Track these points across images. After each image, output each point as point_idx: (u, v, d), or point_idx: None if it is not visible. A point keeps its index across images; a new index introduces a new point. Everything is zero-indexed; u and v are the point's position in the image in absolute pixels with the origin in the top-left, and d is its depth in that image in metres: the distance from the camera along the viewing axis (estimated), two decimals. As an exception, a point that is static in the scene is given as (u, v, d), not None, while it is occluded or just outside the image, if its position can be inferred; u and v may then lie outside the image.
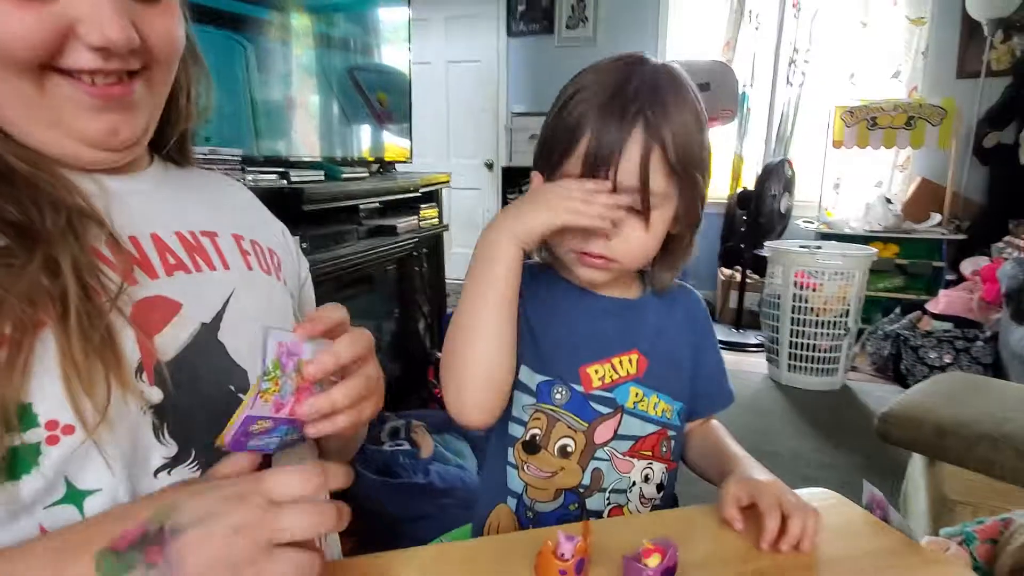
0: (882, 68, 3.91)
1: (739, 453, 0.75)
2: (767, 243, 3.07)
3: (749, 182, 3.87)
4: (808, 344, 2.88)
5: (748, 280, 3.72)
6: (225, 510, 0.40)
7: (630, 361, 0.73)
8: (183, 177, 0.61)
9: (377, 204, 2.41)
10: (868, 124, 3.65)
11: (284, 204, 1.81)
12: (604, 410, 0.71)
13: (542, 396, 0.72)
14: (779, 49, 4.14)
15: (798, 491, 0.64)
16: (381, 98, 2.70)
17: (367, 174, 2.40)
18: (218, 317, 0.53)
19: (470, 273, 0.66)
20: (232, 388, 0.52)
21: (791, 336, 2.91)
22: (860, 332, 3.08)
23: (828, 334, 2.85)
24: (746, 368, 3.23)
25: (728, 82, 3.79)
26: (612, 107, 0.64)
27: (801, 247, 3.00)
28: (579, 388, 0.71)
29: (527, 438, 0.72)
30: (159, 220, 0.54)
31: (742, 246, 3.64)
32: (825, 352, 2.87)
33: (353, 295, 2.30)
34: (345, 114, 2.46)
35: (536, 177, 0.71)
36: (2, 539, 0.41)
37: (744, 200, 3.65)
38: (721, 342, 3.49)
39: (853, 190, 3.99)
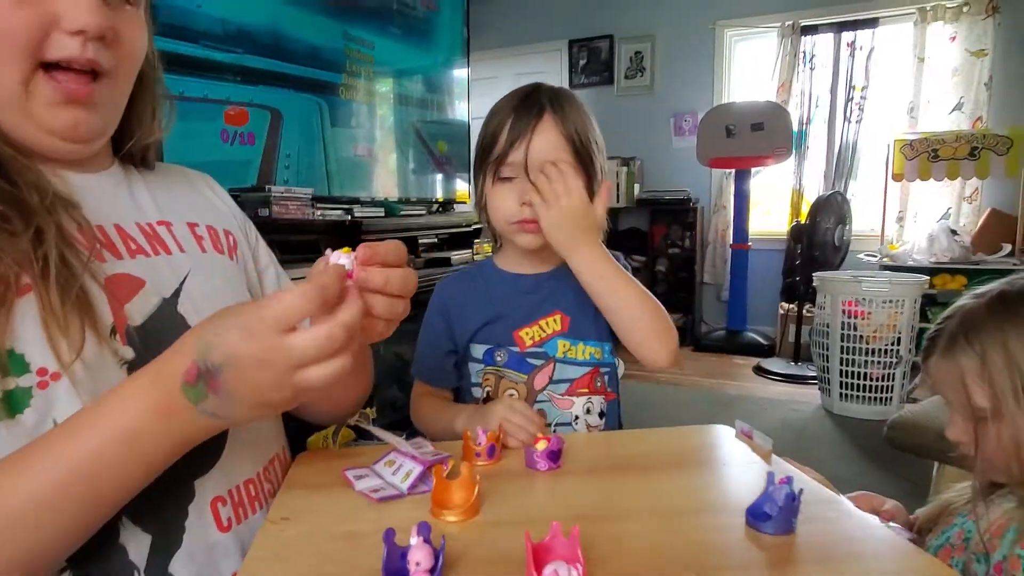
0: (943, 101, 3.88)
1: None
2: (815, 274, 3.10)
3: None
4: (859, 373, 2.87)
5: (807, 314, 3.71)
6: (244, 348, 0.45)
7: (555, 320, 0.92)
8: (145, 177, 0.69)
9: (435, 238, 2.70)
10: (929, 156, 3.63)
11: (345, 234, 2.12)
12: (539, 363, 0.91)
13: (488, 361, 0.93)
14: (835, 87, 4.22)
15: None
16: (440, 147, 3.02)
17: (424, 212, 2.69)
18: (176, 293, 0.61)
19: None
20: None
21: (841, 365, 2.90)
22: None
23: (879, 362, 2.83)
24: (799, 399, 3.22)
25: (781, 122, 3.90)
26: (522, 106, 0.88)
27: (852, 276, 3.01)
28: (515, 349, 0.92)
29: (483, 396, 0.92)
30: (120, 213, 0.62)
31: (798, 279, 3.65)
32: (877, 381, 2.85)
33: (411, 317, 2.56)
34: (407, 159, 2.79)
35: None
36: None
37: (798, 233, 3.69)
38: (778, 375, 3.54)
39: (919, 222, 3.92)
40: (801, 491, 0.54)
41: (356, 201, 2.33)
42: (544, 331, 0.92)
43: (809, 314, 3.73)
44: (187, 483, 0.58)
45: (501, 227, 0.92)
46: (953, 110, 3.85)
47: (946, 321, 0.80)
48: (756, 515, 0.55)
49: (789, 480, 0.55)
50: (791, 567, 0.49)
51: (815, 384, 3.23)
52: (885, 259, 3.70)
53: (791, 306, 3.88)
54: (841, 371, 2.91)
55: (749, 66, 4.53)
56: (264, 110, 2.05)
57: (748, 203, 4.14)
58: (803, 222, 3.75)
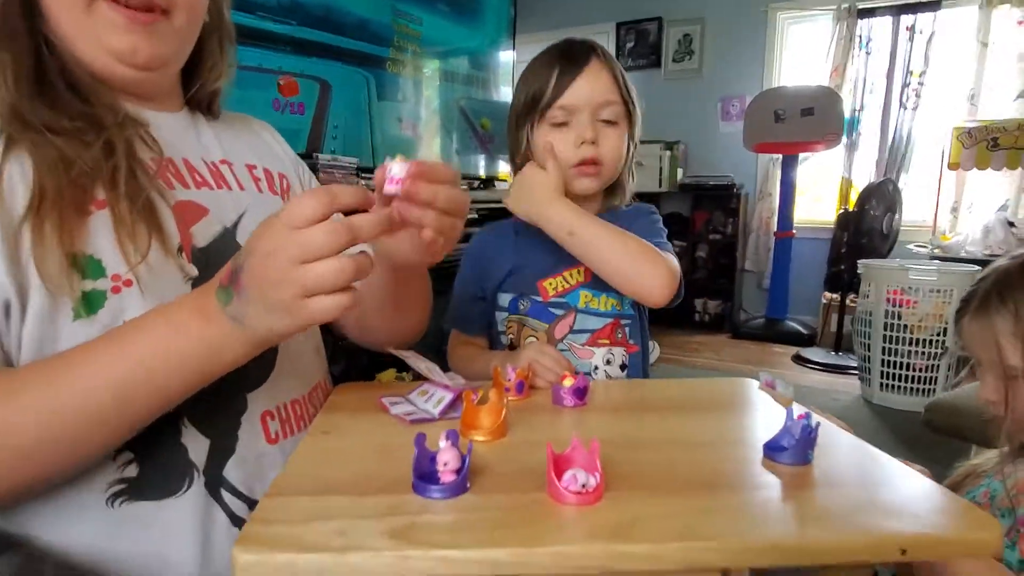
0: (1006, 88, 3.72)
1: None
2: (860, 261, 3.03)
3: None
4: (901, 363, 2.80)
5: (851, 304, 3.63)
6: (261, 242, 0.48)
7: (578, 272, 0.94)
8: (210, 122, 0.74)
9: (475, 213, 2.73)
10: (988, 145, 3.49)
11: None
12: (560, 312, 0.93)
13: (512, 309, 0.96)
14: (892, 73, 4.08)
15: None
16: (484, 124, 3.05)
17: (466, 187, 2.73)
18: (236, 224, 0.67)
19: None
20: None
21: (883, 355, 2.84)
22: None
23: (923, 352, 2.76)
24: (839, 388, 3.17)
25: (833, 106, 3.80)
26: (568, 53, 0.90)
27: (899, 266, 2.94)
28: (538, 299, 0.95)
29: (507, 344, 0.96)
30: (188, 149, 0.68)
31: (842, 267, 3.58)
32: (920, 371, 2.78)
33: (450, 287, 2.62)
34: (450, 135, 2.83)
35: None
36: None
37: (845, 221, 3.60)
38: (817, 364, 3.49)
39: (975, 214, 3.79)
40: (818, 424, 0.56)
41: (400, 173, 2.38)
42: (567, 282, 0.94)
43: (852, 304, 3.65)
44: (240, 395, 0.63)
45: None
46: (1017, 97, 3.69)
47: (980, 282, 0.80)
48: (774, 448, 0.57)
49: (807, 415, 0.56)
50: (802, 490, 0.51)
51: (855, 374, 3.17)
52: (936, 250, 3.58)
53: (834, 296, 3.80)
54: (883, 361, 2.85)
55: (802, 50, 4.42)
56: (314, 81, 2.11)
57: (794, 190, 4.05)
58: (848, 210, 3.66)
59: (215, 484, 0.60)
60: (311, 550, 0.41)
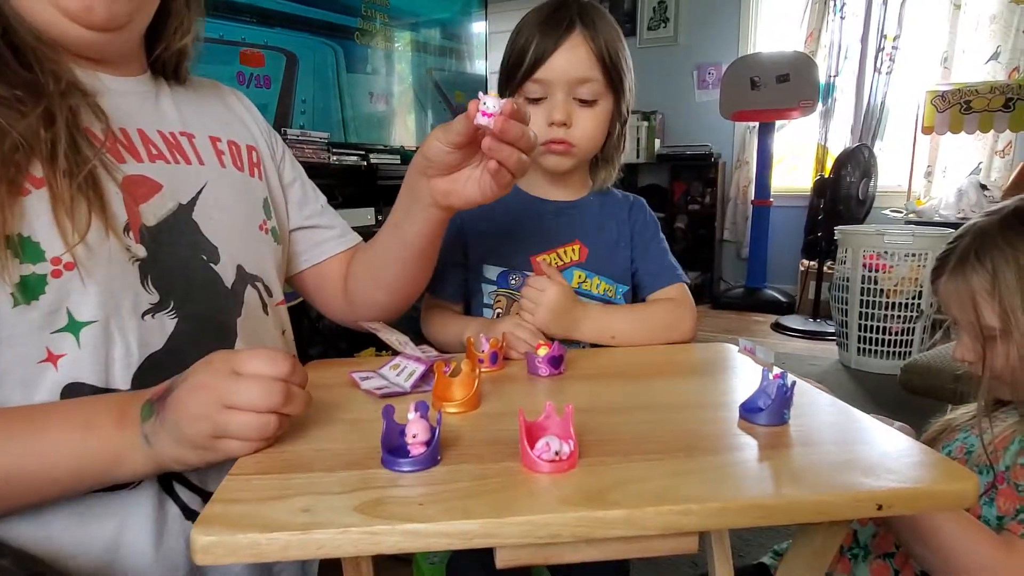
0: (978, 51, 3.74)
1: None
2: (837, 227, 3.05)
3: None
4: (878, 327, 2.84)
5: (828, 271, 3.67)
6: (197, 372, 0.48)
7: (573, 250, 0.92)
8: (174, 89, 0.70)
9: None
10: (961, 108, 3.51)
11: (362, 179, 2.13)
12: None
13: (501, 283, 0.93)
14: (866, 37, 4.08)
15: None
16: (458, 96, 2.99)
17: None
18: (192, 201, 0.63)
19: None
20: (204, 258, 0.63)
21: (860, 319, 2.88)
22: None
23: (899, 316, 2.80)
24: (817, 354, 3.22)
25: (808, 73, 3.79)
26: (551, 20, 0.84)
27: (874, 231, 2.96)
28: (530, 274, 0.90)
29: (494, 317, 0.93)
30: (145, 119, 0.63)
31: (819, 235, 3.60)
32: (896, 335, 2.82)
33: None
34: (423, 108, 2.77)
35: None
36: (17, 354, 0.51)
37: (821, 188, 3.62)
38: (796, 331, 3.52)
39: (948, 178, 3.82)
40: (794, 383, 0.55)
41: (372, 148, 2.33)
42: (562, 259, 0.92)
43: (830, 271, 3.68)
44: None
45: None
46: (989, 60, 3.71)
47: (958, 240, 0.79)
48: (750, 409, 0.56)
49: (783, 375, 0.55)
50: (779, 450, 0.50)
51: (834, 340, 3.21)
52: (911, 215, 3.62)
53: (812, 263, 3.83)
54: (860, 326, 2.88)
55: (777, 16, 4.39)
56: (279, 53, 2.04)
57: (771, 158, 4.06)
58: (824, 176, 3.68)
59: (167, 477, 0.58)
60: (275, 529, 0.39)
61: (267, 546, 0.39)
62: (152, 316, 0.57)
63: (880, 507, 0.43)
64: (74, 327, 0.52)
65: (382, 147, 2.44)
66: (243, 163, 0.72)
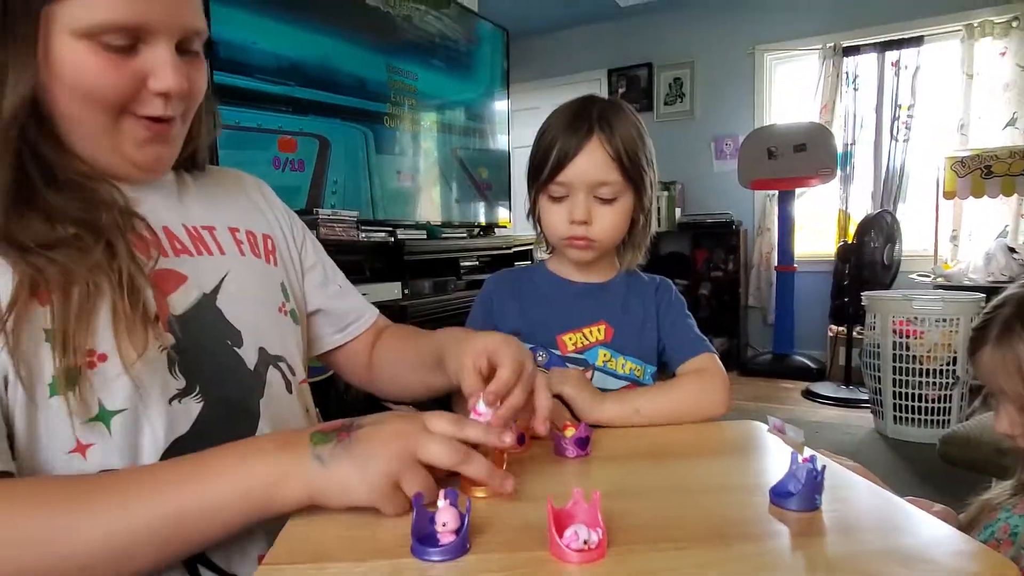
0: (995, 117, 3.78)
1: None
2: (864, 293, 3.02)
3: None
4: (913, 394, 2.76)
5: (857, 336, 3.61)
6: (393, 421, 0.55)
7: (599, 330, 0.94)
8: (196, 181, 0.74)
9: (476, 260, 2.75)
10: (982, 173, 3.52)
11: (390, 255, 2.19)
12: (576, 368, 0.92)
13: None
14: (881, 107, 4.15)
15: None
16: (481, 173, 3.10)
17: (466, 235, 2.75)
18: (216, 289, 0.67)
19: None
20: (228, 343, 0.66)
21: (894, 387, 2.80)
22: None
23: (935, 383, 2.72)
24: (852, 422, 3.12)
25: (825, 142, 3.85)
26: (572, 124, 0.89)
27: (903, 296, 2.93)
28: (557, 352, 0.93)
29: None
30: (169, 216, 0.67)
31: (846, 300, 3.56)
32: (933, 402, 2.74)
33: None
34: (449, 185, 2.87)
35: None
36: (53, 445, 0.53)
37: (845, 253, 3.61)
38: (829, 398, 3.44)
39: (975, 241, 3.79)
40: (824, 468, 0.55)
41: (399, 224, 2.41)
42: (587, 339, 0.93)
43: (859, 336, 3.62)
44: None
45: (552, 241, 0.95)
46: (1007, 126, 3.75)
47: (997, 310, 0.78)
48: (779, 493, 0.55)
49: (812, 459, 0.55)
50: (811, 538, 0.49)
51: (868, 407, 3.12)
52: (939, 279, 3.58)
53: (840, 328, 3.78)
54: (895, 393, 2.81)
55: (790, 88, 4.51)
56: (313, 138, 2.15)
57: (792, 225, 4.08)
58: (848, 242, 3.67)
59: (191, 559, 0.57)
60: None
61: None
62: (179, 401, 0.59)
63: (919, 602, 0.42)
64: (105, 416, 0.54)
65: (409, 223, 2.51)
66: (260, 251, 0.75)
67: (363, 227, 2.16)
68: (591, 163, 0.87)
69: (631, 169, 0.89)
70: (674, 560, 0.46)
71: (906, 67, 4.06)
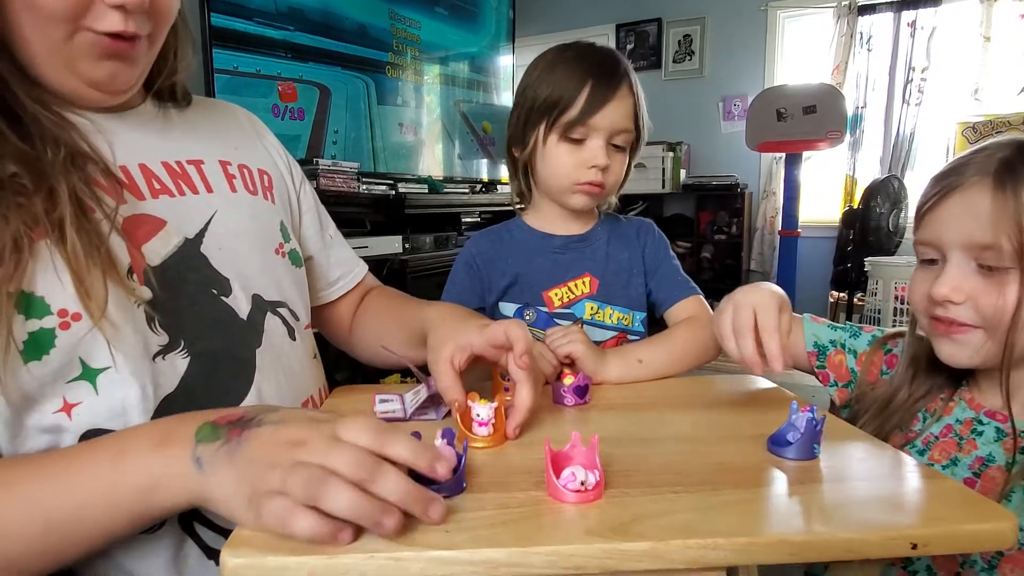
0: (1011, 81, 3.70)
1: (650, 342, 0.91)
2: (867, 259, 3.01)
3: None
4: (911, 360, 2.77)
5: (858, 302, 3.61)
6: (299, 424, 0.45)
7: (584, 283, 0.93)
8: (181, 114, 0.68)
9: (478, 217, 2.73)
10: (994, 139, 3.46)
11: (391, 208, 2.17)
12: (566, 323, 0.91)
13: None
14: (894, 69, 4.06)
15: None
16: (485, 127, 3.05)
17: (468, 191, 2.72)
18: (200, 233, 0.61)
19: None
20: (215, 292, 0.61)
21: (892, 352, 2.81)
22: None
23: (933, 350, 2.73)
24: (848, 387, 3.14)
25: (835, 104, 3.77)
26: (603, 71, 0.87)
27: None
28: (544, 309, 0.93)
29: None
30: (147, 152, 0.61)
31: (849, 266, 3.55)
32: (930, 369, 2.75)
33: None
34: (451, 139, 2.82)
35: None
36: (39, 409, 0.50)
37: (850, 218, 3.58)
38: (826, 363, 3.44)
39: (981, 210, 3.75)
40: (824, 417, 0.55)
41: (401, 178, 2.38)
42: (573, 293, 0.93)
43: (860, 302, 3.62)
44: (217, 405, 0.58)
45: (558, 185, 0.90)
46: (1021, 91, 3.67)
47: (976, 155, 0.63)
48: (778, 442, 0.55)
49: (812, 408, 0.55)
50: (808, 485, 0.49)
51: (864, 373, 3.13)
52: (943, 247, 3.55)
53: (841, 294, 3.77)
54: (892, 359, 2.82)
55: (802, 48, 4.40)
56: (313, 86, 2.11)
57: (798, 189, 4.02)
58: (853, 207, 3.64)
59: (188, 517, 0.56)
60: (303, 553, 0.40)
61: (295, 569, 0.39)
62: (163, 358, 0.56)
63: (915, 546, 0.42)
64: (89, 374, 0.52)
65: (410, 176, 2.48)
66: (256, 186, 0.70)
67: (364, 179, 2.14)
68: (620, 110, 0.87)
69: (641, 120, 0.90)
70: (671, 503, 0.46)
71: (922, 28, 3.95)
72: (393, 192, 2.22)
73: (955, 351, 0.65)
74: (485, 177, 3.09)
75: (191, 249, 0.61)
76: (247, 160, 0.71)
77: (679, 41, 4.70)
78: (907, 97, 4.00)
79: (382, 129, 2.41)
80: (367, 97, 2.34)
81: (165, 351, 0.56)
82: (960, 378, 0.70)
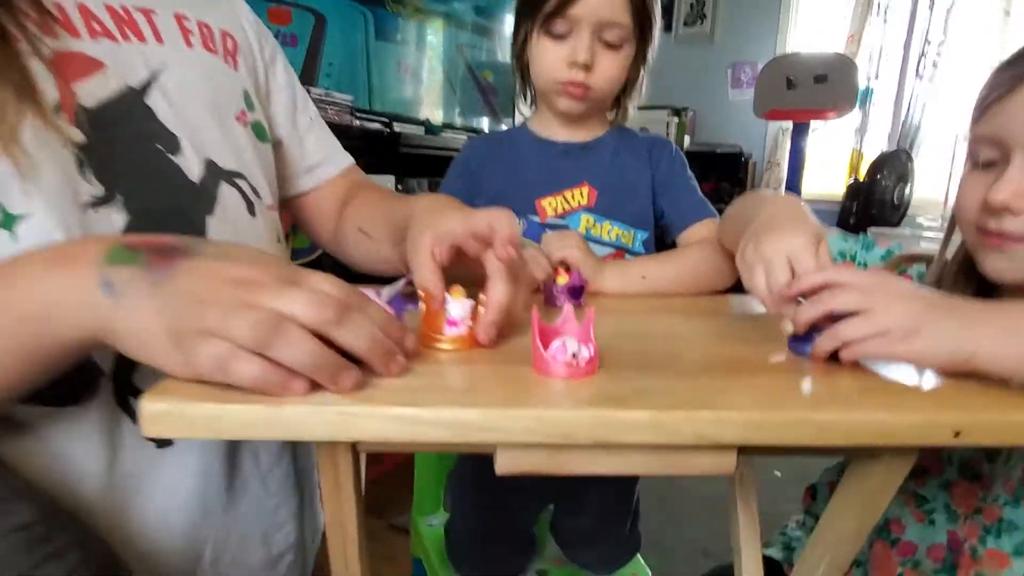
0: (1028, 59, 3.60)
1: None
2: (870, 228, 2.94)
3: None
4: (909, 334, 2.73)
5: (857, 277, 3.55)
6: (248, 263, 0.38)
7: (580, 193, 0.86)
8: None
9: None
10: (1007, 117, 3.38)
11: (385, 145, 2.08)
12: None
13: None
14: (909, 42, 3.95)
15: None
16: (486, 75, 2.94)
17: (465, 136, 2.63)
18: (147, 83, 0.56)
19: None
20: (160, 147, 0.56)
21: (890, 325, 2.77)
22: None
23: (932, 324, 2.69)
24: (842, 360, 3.11)
25: (847, 74, 3.66)
26: None
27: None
28: (536, 219, 0.85)
29: None
30: None
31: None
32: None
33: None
34: (451, 83, 2.72)
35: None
36: None
37: (855, 191, 3.51)
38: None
39: (988, 190, 3.69)
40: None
41: (397, 117, 2.28)
42: (568, 203, 0.86)
43: (859, 277, 3.57)
44: None
45: (543, 86, 0.84)
46: (1039, 69, 3.57)
47: None
48: (801, 339, 0.48)
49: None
50: (834, 375, 0.43)
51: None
52: (947, 223, 3.49)
53: (841, 269, 3.71)
54: (889, 332, 2.77)
55: (818, 16, 4.29)
56: (308, 12, 2.00)
57: (804, 159, 3.94)
58: (859, 180, 3.57)
59: (123, 391, 0.51)
60: (238, 401, 0.33)
61: (226, 420, 0.33)
62: (96, 210, 0.50)
63: (958, 433, 0.36)
64: (8, 221, 0.45)
65: (406, 117, 2.39)
66: (216, 47, 0.63)
67: (358, 114, 2.04)
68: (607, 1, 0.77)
69: (642, 14, 0.80)
70: (676, 382, 0.40)
71: (939, 0, 3.84)
72: (388, 130, 2.12)
73: (1005, 266, 0.58)
74: (485, 128, 2.99)
75: (134, 98, 0.54)
76: (209, 19, 0.63)
77: (691, 3, 4.57)
78: (920, 71, 3.90)
79: (379, 65, 2.31)
80: (365, 30, 2.23)
81: (99, 203, 0.50)
82: (987, 294, 0.64)
